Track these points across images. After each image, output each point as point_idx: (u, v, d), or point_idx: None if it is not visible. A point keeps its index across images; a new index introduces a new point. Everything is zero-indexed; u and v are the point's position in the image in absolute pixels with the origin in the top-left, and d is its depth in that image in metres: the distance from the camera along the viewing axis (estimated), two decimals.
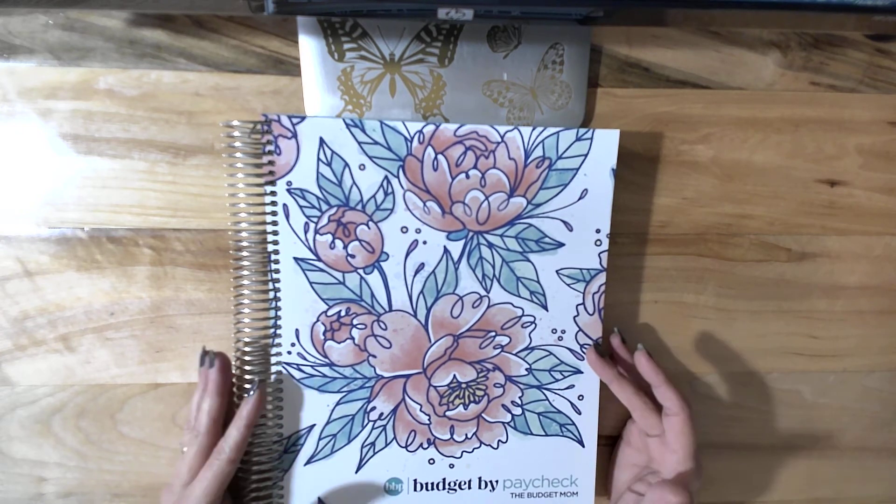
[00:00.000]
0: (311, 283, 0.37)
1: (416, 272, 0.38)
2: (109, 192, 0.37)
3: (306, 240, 0.36)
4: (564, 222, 0.38)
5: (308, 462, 0.39)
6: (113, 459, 0.40)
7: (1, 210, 0.37)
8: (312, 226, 0.36)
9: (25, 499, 0.40)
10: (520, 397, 0.40)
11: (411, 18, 0.36)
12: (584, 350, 0.40)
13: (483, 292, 0.38)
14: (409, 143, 0.36)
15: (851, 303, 0.43)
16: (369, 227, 0.37)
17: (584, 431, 0.40)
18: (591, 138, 0.37)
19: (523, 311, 0.39)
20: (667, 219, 0.41)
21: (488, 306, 0.38)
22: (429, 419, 0.39)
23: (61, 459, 0.40)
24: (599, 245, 0.38)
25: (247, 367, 0.37)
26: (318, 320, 0.37)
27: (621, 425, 0.43)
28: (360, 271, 0.37)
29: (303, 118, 0.35)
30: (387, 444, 0.39)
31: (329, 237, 0.37)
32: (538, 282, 0.38)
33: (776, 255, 0.42)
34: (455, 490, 0.40)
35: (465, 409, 0.40)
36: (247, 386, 0.36)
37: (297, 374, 0.38)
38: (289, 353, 0.37)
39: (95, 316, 0.38)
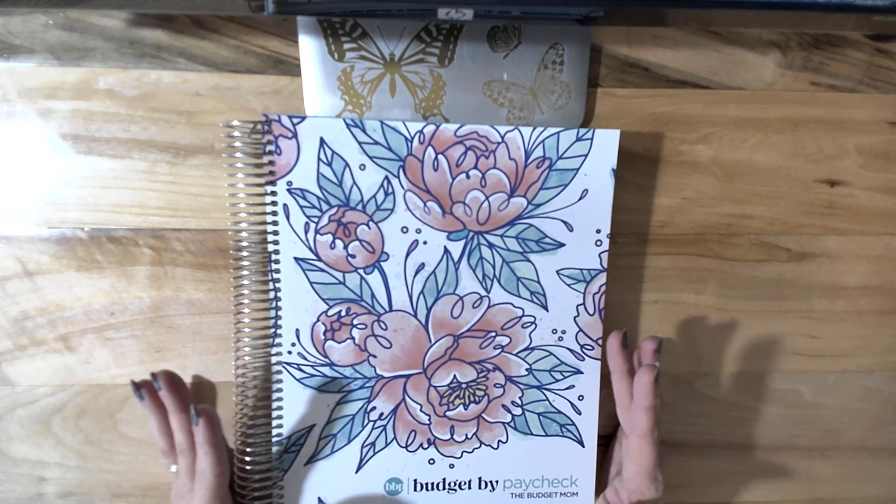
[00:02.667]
0: (311, 283, 0.37)
1: (417, 272, 0.38)
2: (109, 192, 0.37)
3: (306, 240, 0.36)
4: (565, 222, 0.38)
5: (308, 462, 0.39)
6: (113, 459, 0.40)
7: (1, 210, 0.37)
8: (313, 226, 0.36)
9: (25, 499, 0.40)
10: (520, 397, 0.40)
11: (411, 18, 0.36)
12: (584, 350, 0.40)
13: (483, 292, 0.38)
14: (409, 143, 0.36)
15: (851, 303, 0.43)
16: (370, 227, 0.37)
17: (584, 432, 0.40)
18: (592, 138, 0.37)
19: (523, 312, 0.39)
20: (667, 219, 0.41)
21: (488, 306, 0.38)
22: (429, 419, 0.39)
23: (61, 459, 0.40)
24: (600, 245, 0.38)
25: (247, 367, 0.37)
26: (318, 320, 0.37)
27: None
28: (361, 271, 0.37)
29: (303, 118, 0.35)
30: (387, 444, 0.39)
31: (329, 237, 0.37)
32: (538, 282, 0.38)
33: (776, 255, 0.42)
34: (455, 490, 0.40)
35: (466, 409, 0.40)
36: (195, 415, 0.35)
37: (297, 374, 0.38)
38: (289, 353, 0.37)
39: (95, 316, 0.38)
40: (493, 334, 0.39)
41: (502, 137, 0.36)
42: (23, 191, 0.37)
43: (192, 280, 0.39)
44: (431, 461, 0.40)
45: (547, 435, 0.40)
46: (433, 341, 0.39)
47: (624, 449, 0.38)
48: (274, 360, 0.37)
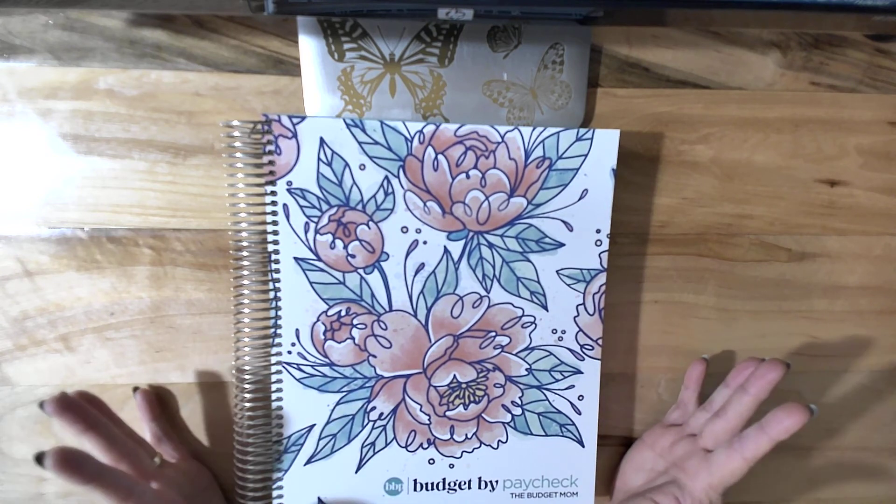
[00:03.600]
0: (311, 282, 0.37)
1: (417, 272, 0.38)
2: (109, 192, 0.37)
3: (306, 240, 0.36)
4: (564, 222, 0.38)
5: (308, 462, 0.39)
6: None
7: (1, 210, 0.37)
8: (313, 226, 0.36)
9: (25, 499, 0.40)
10: (520, 397, 0.40)
11: (411, 18, 0.36)
12: (584, 350, 0.39)
13: (483, 292, 0.38)
14: (409, 143, 0.36)
15: (851, 303, 0.43)
16: (369, 227, 0.37)
17: (584, 432, 0.40)
18: (592, 138, 0.37)
19: (523, 312, 0.39)
20: (667, 219, 0.41)
21: (488, 306, 0.38)
22: (429, 419, 0.39)
23: None
24: (599, 245, 0.38)
25: (247, 367, 0.37)
26: (318, 320, 0.37)
27: (622, 425, 0.43)
28: (361, 271, 0.37)
29: (303, 118, 0.35)
30: (387, 444, 0.39)
31: (329, 237, 0.37)
32: (538, 282, 0.38)
33: (776, 255, 0.42)
34: (455, 490, 0.40)
35: (465, 409, 0.40)
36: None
37: (297, 374, 0.38)
38: (289, 352, 0.37)
39: (95, 316, 0.38)
40: (493, 334, 0.39)
41: (502, 137, 0.36)
42: (23, 191, 0.37)
43: (192, 280, 0.39)
44: (431, 461, 0.40)
45: (547, 435, 0.40)
46: (433, 341, 0.39)
47: (706, 459, 0.36)
48: (274, 360, 0.37)
